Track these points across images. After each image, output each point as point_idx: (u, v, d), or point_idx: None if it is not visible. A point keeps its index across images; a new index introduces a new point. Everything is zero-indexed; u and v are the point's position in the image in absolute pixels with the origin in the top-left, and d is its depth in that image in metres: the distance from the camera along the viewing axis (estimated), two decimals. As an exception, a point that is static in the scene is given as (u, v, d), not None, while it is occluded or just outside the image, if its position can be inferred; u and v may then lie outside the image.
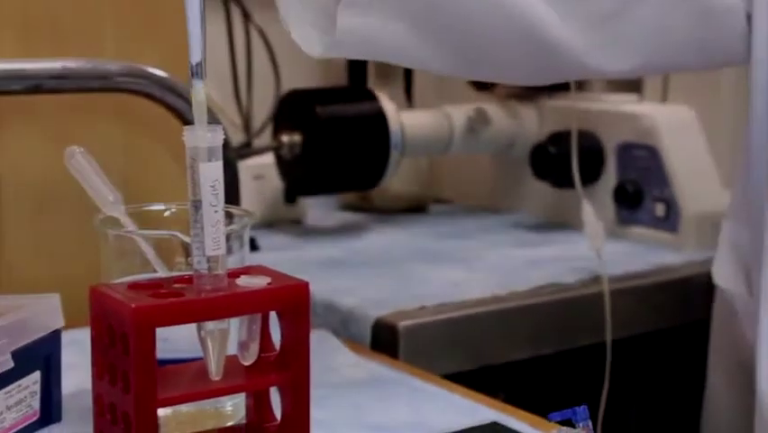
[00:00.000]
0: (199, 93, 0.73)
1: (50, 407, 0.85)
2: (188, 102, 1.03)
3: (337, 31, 0.89)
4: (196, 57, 0.73)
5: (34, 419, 0.84)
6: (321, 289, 1.16)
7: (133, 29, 1.10)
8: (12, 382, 0.80)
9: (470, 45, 0.97)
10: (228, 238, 0.75)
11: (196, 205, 0.73)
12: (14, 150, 1.06)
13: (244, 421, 0.82)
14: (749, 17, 1.02)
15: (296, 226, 1.50)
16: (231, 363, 0.77)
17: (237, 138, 1.55)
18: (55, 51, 1.05)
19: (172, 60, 1.09)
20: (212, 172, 0.73)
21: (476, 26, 0.95)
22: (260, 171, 1.46)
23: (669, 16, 1.00)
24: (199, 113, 0.72)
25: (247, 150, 1.50)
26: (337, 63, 1.63)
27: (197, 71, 0.73)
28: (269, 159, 1.44)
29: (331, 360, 1.00)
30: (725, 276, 1.13)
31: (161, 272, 0.81)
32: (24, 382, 0.82)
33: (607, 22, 0.98)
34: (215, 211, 0.73)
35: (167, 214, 0.86)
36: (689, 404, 1.21)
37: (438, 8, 0.92)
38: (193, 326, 0.75)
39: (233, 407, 0.83)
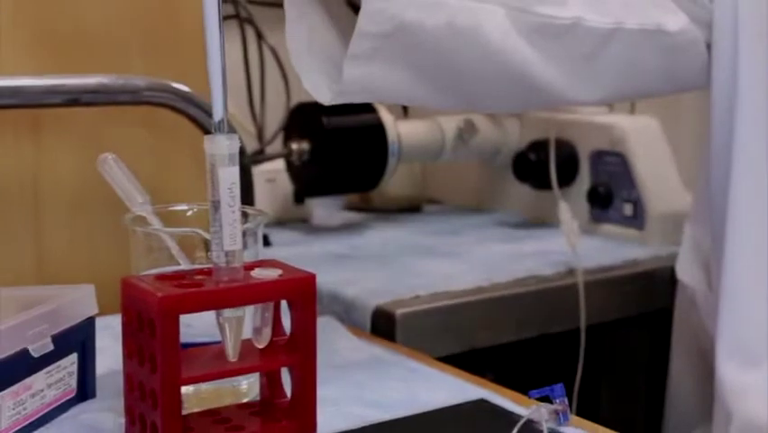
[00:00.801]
0: (221, 146, 0.73)
1: (86, 385, 0.86)
2: (208, 113, 1.03)
3: (343, 80, 0.89)
4: (218, 114, 0.74)
5: (72, 395, 0.84)
6: (326, 280, 1.16)
7: (158, 47, 1.10)
8: (52, 363, 0.81)
9: (467, 87, 0.97)
10: (244, 235, 0.76)
11: (216, 205, 0.74)
12: (54, 156, 1.06)
13: (258, 398, 0.82)
14: (708, 46, 1.02)
15: (304, 225, 1.50)
16: (246, 347, 0.77)
17: (251, 145, 1.55)
18: (87, 68, 1.06)
19: (192, 75, 1.09)
20: (229, 176, 0.73)
21: (472, 72, 0.95)
22: (272, 175, 1.46)
23: (638, 53, 1.00)
24: (221, 162, 0.73)
25: (260, 156, 1.50)
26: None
27: (220, 127, 0.73)
28: (280, 164, 1.44)
29: (335, 343, 1.00)
30: (687, 272, 1.13)
31: (184, 265, 0.81)
32: (63, 363, 0.82)
33: (583, 61, 0.98)
34: (232, 211, 0.74)
35: (189, 213, 0.86)
36: (654, 384, 1.21)
37: (438, 58, 0.92)
38: (212, 313, 0.75)
39: (249, 385, 0.84)
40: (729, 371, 0.97)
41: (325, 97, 0.91)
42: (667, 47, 1.01)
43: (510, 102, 1.05)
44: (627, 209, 1.40)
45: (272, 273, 0.77)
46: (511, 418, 0.74)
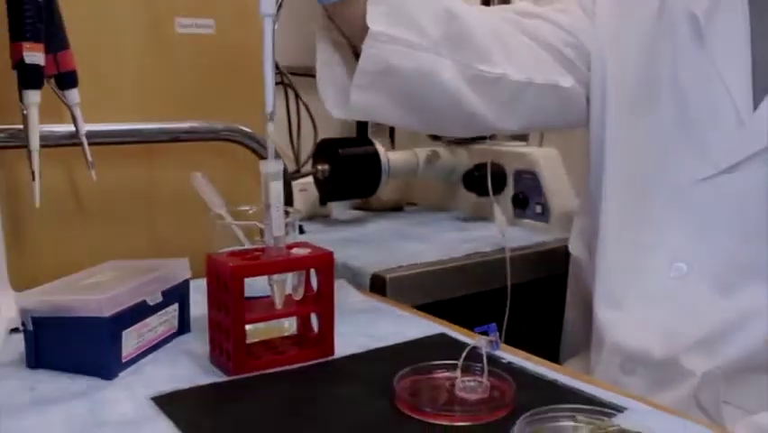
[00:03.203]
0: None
1: (184, 324, 0.86)
2: (263, 146, 1.03)
3: (350, 103, 0.89)
4: (269, 107, 0.75)
5: (174, 330, 0.85)
6: (340, 256, 1.15)
7: (230, 100, 1.10)
8: (161, 309, 0.82)
9: (428, 114, 0.97)
10: (286, 225, 0.76)
11: (267, 206, 0.75)
12: (164, 174, 1.07)
13: (295, 333, 0.83)
14: (587, 99, 1.03)
15: (326, 219, 1.50)
16: (287, 299, 0.78)
17: (291, 167, 1.55)
18: (183, 114, 1.06)
19: (253, 120, 1.10)
20: (277, 187, 0.74)
21: (432, 103, 0.95)
22: (305, 187, 1.46)
23: (543, 100, 1.01)
24: (270, 143, 0.73)
25: (297, 174, 1.51)
26: (350, 123, 1.64)
27: (271, 117, 0.74)
28: (309, 179, 1.44)
29: (346, 297, 1.01)
30: (576, 248, 1.14)
31: (247, 246, 0.82)
32: (169, 309, 0.83)
33: (506, 103, 0.99)
34: (278, 210, 0.75)
35: (250, 212, 0.86)
36: (554, 322, 1.21)
37: (410, 91, 0.93)
38: (266, 277, 0.76)
39: (289, 324, 0.84)
40: (603, 312, 0.97)
41: (340, 114, 0.92)
42: (561, 97, 1.02)
43: (456, 127, 1.04)
44: (538, 209, 1.40)
45: (305, 251, 0.77)
46: (462, 345, 0.74)
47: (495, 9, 1.00)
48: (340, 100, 0.92)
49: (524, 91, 0.99)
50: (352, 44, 0.92)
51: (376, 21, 0.86)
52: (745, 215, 0.86)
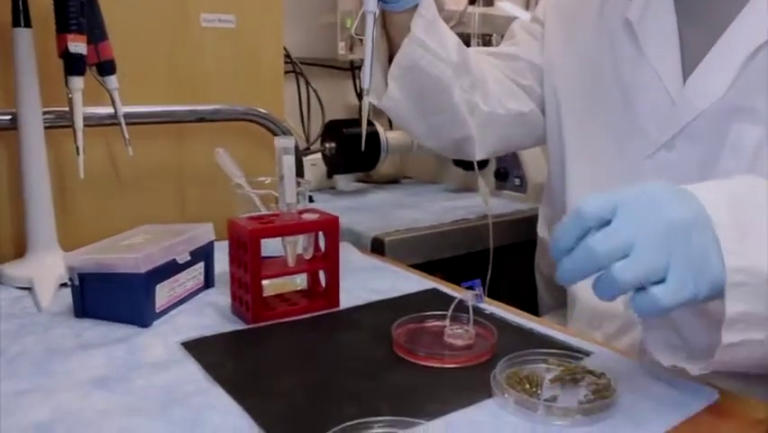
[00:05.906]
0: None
1: (209, 279, 0.86)
2: (278, 126, 1.02)
3: (386, 92, 0.91)
4: (366, 84, 0.77)
5: (201, 285, 0.85)
6: (345, 221, 1.16)
7: (249, 85, 1.10)
8: (190, 267, 0.82)
9: (434, 119, 0.97)
10: (297, 194, 0.76)
11: (281, 177, 0.74)
12: (192, 150, 1.06)
13: (306, 287, 0.83)
14: (543, 113, 1.03)
15: (332, 190, 1.50)
16: (299, 258, 0.78)
17: (302, 144, 1.54)
18: (209, 98, 1.05)
19: (269, 103, 1.09)
20: (289, 160, 0.74)
21: (440, 114, 0.95)
22: (314, 162, 1.46)
23: (508, 127, 1.01)
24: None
25: (307, 150, 1.50)
26: (353, 107, 1.63)
27: (367, 92, 0.76)
28: (318, 155, 1.43)
29: (349, 257, 1.01)
30: (542, 231, 1.13)
31: (264, 212, 0.81)
32: (196, 267, 0.83)
33: (482, 129, 0.99)
34: (291, 180, 0.74)
35: (266, 181, 0.86)
36: (530, 280, 1.21)
37: (426, 97, 0.93)
38: (280, 238, 0.76)
39: (301, 280, 0.84)
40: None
41: (378, 103, 0.92)
42: (523, 121, 1.02)
43: (451, 144, 1.02)
44: (517, 182, 1.40)
45: (314, 216, 0.77)
46: (450, 298, 0.74)
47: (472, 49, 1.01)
48: (378, 96, 0.92)
49: (490, 120, 0.99)
50: (390, 54, 0.92)
51: (417, 27, 0.87)
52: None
